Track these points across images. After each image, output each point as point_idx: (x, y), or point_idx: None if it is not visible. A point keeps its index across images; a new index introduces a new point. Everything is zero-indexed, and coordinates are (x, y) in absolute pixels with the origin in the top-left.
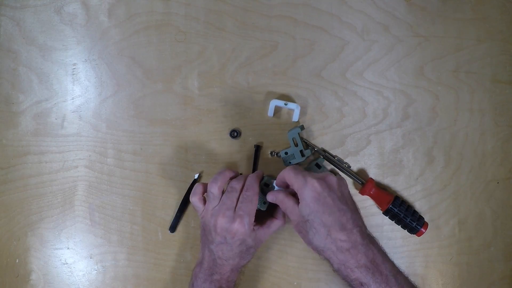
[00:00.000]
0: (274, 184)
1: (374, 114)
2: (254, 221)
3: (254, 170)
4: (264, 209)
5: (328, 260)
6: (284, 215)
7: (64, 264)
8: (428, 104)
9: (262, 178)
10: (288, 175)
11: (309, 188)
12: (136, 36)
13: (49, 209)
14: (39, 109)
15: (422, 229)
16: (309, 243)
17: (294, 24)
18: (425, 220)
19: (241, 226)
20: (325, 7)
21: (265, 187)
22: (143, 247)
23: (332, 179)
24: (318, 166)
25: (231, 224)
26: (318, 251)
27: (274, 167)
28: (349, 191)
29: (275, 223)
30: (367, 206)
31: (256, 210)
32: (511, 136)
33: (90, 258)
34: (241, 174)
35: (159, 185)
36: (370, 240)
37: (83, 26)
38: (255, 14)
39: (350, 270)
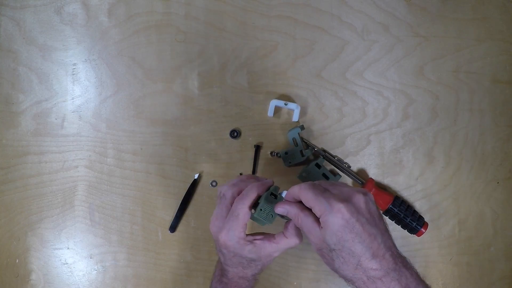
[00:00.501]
0: (283, 196)
1: (374, 114)
2: (261, 233)
3: (254, 170)
4: (271, 223)
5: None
6: (299, 231)
7: (64, 264)
8: (428, 104)
9: (269, 188)
10: (305, 195)
11: (335, 215)
12: (136, 36)
13: (49, 209)
14: (39, 109)
15: (422, 229)
16: (335, 271)
17: (294, 24)
18: (425, 220)
19: (227, 239)
20: (325, 7)
21: (272, 198)
22: (143, 247)
23: (360, 199)
24: (318, 166)
25: (219, 235)
26: (345, 280)
27: (274, 167)
28: (376, 207)
29: (284, 242)
30: None
31: (264, 223)
32: (511, 136)
33: (90, 258)
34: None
35: (159, 185)
36: (402, 263)
37: (83, 26)
38: (255, 14)
39: None
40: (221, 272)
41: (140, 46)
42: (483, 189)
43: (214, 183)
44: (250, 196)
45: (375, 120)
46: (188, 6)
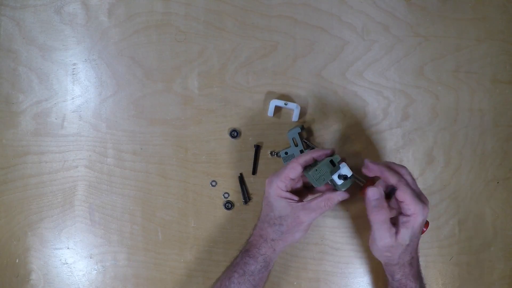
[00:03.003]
0: (341, 166)
1: (374, 114)
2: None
3: (254, 170)
4: (320, 185)
5: (388, 269)
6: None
7: (64, 264)
8: (428, 104)
9: (332, 154)
10: (404, 192)
11: (422, 218)
12: (136, 36)
13: (49, 209)
14: (39, 109)
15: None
16: (394, 261)
17: (294, 24)
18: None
19: (268, 182)
20: (325, 7)
21: (331, 165)
22: (143, 247)
23: (428, 204)
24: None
25: (267, 182)
26: (392, 265)
27: (274, 167)
28: None
29: (315, 203)
30: None
31: (316, 184)
32: (511, 136)
33: (90, 258)
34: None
35: (159, 185)
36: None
37: (83, 26)
38: (255, 14)
39: (405, 278)
40: (248, 242)
41: (140, 46)
42: (483, 189)
43: (214, 183)
44: (304, 157)
45: (375, 120)
46: (188, 6)
